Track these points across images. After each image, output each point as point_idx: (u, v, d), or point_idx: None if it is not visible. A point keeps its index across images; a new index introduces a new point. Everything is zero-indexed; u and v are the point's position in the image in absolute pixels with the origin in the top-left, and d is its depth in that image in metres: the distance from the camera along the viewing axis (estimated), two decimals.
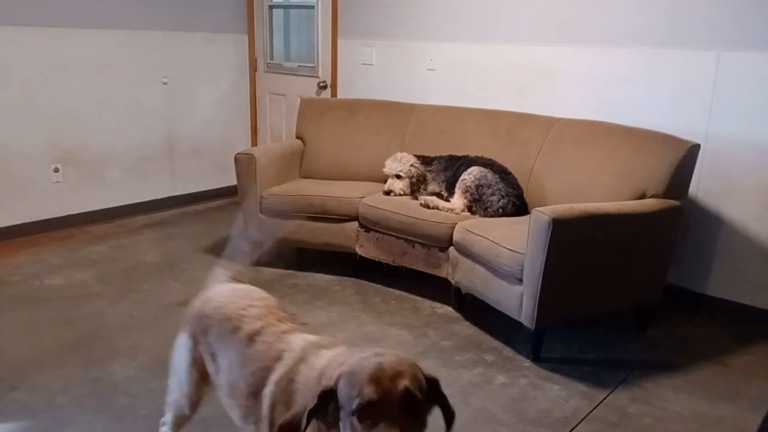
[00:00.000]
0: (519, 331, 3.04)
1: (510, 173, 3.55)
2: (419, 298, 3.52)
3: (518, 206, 3.46)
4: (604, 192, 3.15)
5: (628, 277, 2.99)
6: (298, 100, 5.15)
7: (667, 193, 2.99)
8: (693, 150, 3.01)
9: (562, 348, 2.98)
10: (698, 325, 3.30)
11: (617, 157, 3.20)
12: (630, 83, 3.58)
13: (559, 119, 3.63)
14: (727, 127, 3.26)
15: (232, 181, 5.51)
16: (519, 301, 2.84)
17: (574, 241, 2.72)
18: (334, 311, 3.33)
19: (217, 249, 4.17)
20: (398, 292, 3.59)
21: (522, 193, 3.51)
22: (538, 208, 2.73)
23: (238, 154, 3.81)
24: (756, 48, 3.13)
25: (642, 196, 3.03)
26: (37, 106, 4.26)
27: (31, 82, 4.21)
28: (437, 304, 3.45)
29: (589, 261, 2.82)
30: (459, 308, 3.38)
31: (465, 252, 3.19)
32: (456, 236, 3.26)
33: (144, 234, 4.52)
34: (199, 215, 5.03)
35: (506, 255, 2.90)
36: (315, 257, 4.00)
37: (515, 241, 2.92)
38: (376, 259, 3.65)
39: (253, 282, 3.81)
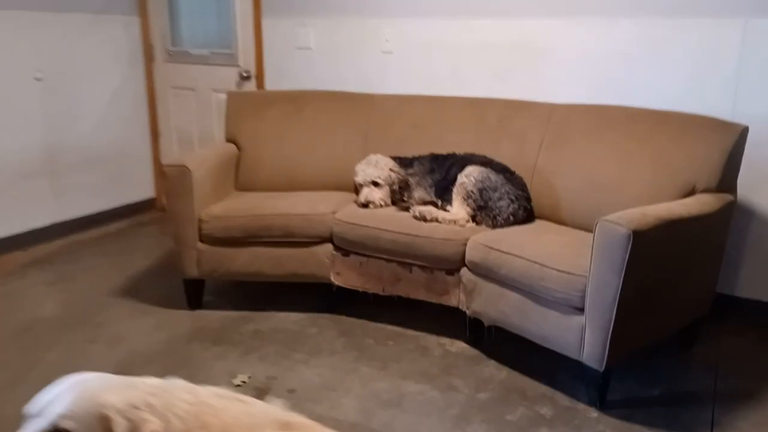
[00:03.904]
0: (563, 369, 2.46)
1: (514, 172, 2.94)
2: (421, 334, 2.82)
3: (529, 211, 2.88)
4: (640, 188, 2.63)
5: (689, 289, 2.51)
6: (213, 94, 4.27)
7: (720, 187, 2.52)
8: (744, 134, 2.57)
9: (618, 386, 2.41)
10: (739, 333, 2.89)
11: (649, 146, 2.69)
12: (637, 61, 3.09)
13: (559, 105, 3.08)
14: (757, 107, 2.86)
15: (132, 197, 4.52)
16: (579, 335, 2.24)
17: (649, 256, 2.15)
18: (323, 365, 2.55)
19: (133, 289, 3.23)
20: (392, 328, 2.88)
21: (530, 195, 2.92)
22: (607, 219, 2.13)
23: (167, 166, 2.89)
24: None
25: (690, 192, 2.54)
26: None
27: None
28: (446, 340, 2.78)
29: (659, 278, 2.28)
30: (475, 343, 2.73)
31: (488, 275, 2.55)
32: (471, 255, 2.60)
33: (29, 276, 3.43)
34: (97, 244, 3.97)
35: (555, 278, 2.29)
36: (272, 291, 3.18)
37: (562, 259, 2.32)
38: (360, 289, 2.90)
39: (199, 331, 2.95)
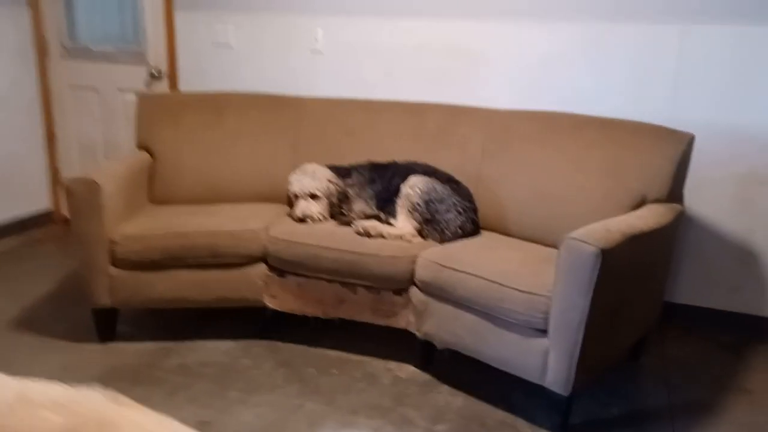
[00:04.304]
0: (521, 392, 2.34)
1: (459, 182, 2.79)
2: (366, 359, 2.61)
3: (476, 223, 2.73)
4: (590, 199, 2.55)
5: (645, 302, 2.44)
6: (119, 95, 3.87)
7: (670, 197, 2.48)
8: (691, 143, 2.53)
9: (575, 407, 2.29)
10: (681, 340, 2.88)
11: (597, 154, 2.61)
12: (574, 66, 3.02)
13: (500, 111, 2.95)
14: (694, 113, 2.86)
15: (24, 210, 4.01)
16: (542, 359, 2.11)
17: (615, 274, 2.05)
18: (262, 404, 2.28)
19: (33, 321, 2.83)
20: (334, 353, 2.65)
21: (476, 206, 2.77)
22: (573, 236, 2.00)
23: (71, 181, 2.51)
24: (726, 20, 2.74)
25: (641, 203, 2.47)
26: None
27: None
28: (393, 365, 2.58)
29: (621, 295, 2.19)
30: (425, 366, 2.55)
31: (440, 295, 2.37)
32: (422, 274, 2.42)
33: None
34: None
35: (517, 299, 2.14)
36: (196, 317, 2.86)
37: (522, 278, 2.19)
38: (299, 313, 2.65)
39: (115, 370, 2.58)
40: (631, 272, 2.19)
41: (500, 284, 2.19)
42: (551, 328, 2.07)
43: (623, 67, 2.94)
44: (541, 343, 2.11)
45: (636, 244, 2.11)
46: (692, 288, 3.02)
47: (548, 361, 2.10)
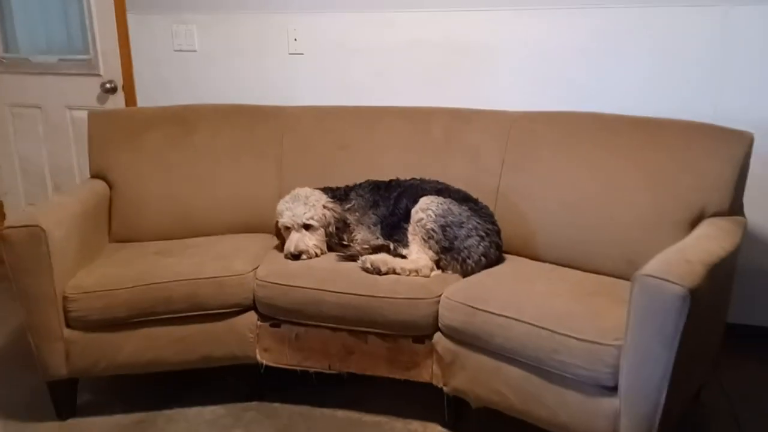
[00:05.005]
0: None
1: (477, 200, 2.38)
2: (383, 418, 2.19)
3: (500, 248, 2.33)
4: (638, 214, 2.16)
5: (716, 335, 2.07)
6: (67, 113, 3.38)
7: (732, 209, 2.10)
8: (751, 144, 2.16)
9: None
10: (739, 365, 2.52)
11: (641, 161, 2.22)
12: (598, 58, 2.64)
13: (517, 114, 2.55)
14: (743, 108, 2.50)
15: None
16: (611, 423, 1.71)
17: (701, 315, 1.66)
18: None
19: None
20: (343, 413, 2.22)
21: (499, 227, 2.36)
22: (651, 273, 1.60)
23: (8, 229, 2.02)
24: None
25: (699, 217, 2.09)
26: None
27: None
28: (416, 424, 2.16)
29: (701, 335, 1.80)
30: (455, 425, 2.14)
31: (475, 344, 1.96)
32: (449, 318, 2.00)
33: None
34: None
35: (574, 350, 1.74)
36: (175, 379, 2.39)
37: (577, 321, 1.79)
38: (298, 368, 2.21)
39: None
40: (712, 307, 1.81)
41: (551, 331, 1.78)
42: (623, 386, 1.67)
43: (655, 58, 2.57)
44: (609, 403, 1.71)
45: (717, 273, 1.72)
46: (745, 304, 2.66)
47: (619, 426, 1.70)
